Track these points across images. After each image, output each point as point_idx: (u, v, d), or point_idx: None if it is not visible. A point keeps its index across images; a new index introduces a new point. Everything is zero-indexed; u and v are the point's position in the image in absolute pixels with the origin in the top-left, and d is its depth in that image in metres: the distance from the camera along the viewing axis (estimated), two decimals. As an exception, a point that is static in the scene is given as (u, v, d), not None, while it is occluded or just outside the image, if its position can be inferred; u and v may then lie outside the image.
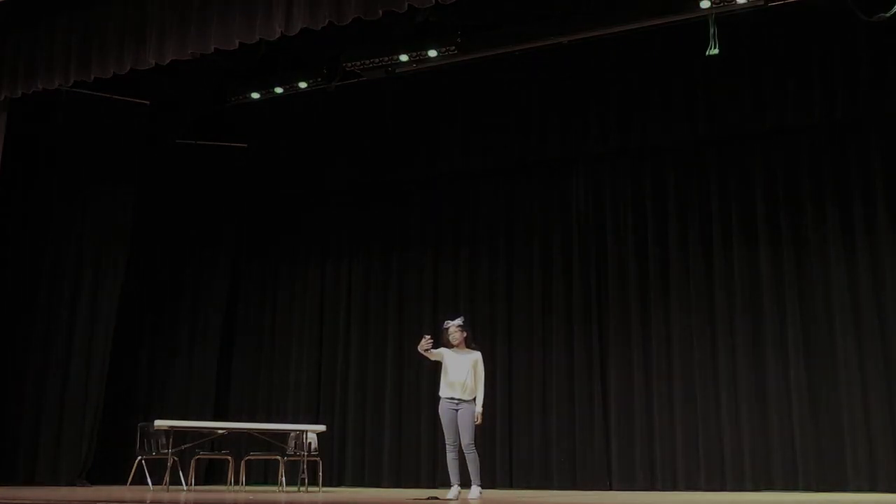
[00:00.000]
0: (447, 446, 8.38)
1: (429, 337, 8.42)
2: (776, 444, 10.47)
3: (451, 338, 8.59)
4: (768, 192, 11.09)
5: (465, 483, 8.45)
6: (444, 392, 8.47)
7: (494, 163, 12.31)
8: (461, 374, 8.43)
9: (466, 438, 8.28)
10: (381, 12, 8.03)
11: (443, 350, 8.59)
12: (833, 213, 10.70)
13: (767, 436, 10.53)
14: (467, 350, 8.60)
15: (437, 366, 8.88)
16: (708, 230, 11.34)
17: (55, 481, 11.20)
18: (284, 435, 10.94)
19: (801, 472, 10.29)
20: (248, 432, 10.97)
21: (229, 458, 10.78)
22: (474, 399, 8.44)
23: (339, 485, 12.32)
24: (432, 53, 10.65)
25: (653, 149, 11.65)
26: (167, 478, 10.23)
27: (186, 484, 10.84)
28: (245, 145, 13.27)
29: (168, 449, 10.37)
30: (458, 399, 8.39)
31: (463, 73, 11.20)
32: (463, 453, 8.31)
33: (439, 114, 12.21)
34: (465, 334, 8.63)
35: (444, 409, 8.40)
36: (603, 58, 11.05)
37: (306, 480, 10.71)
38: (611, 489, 11.06)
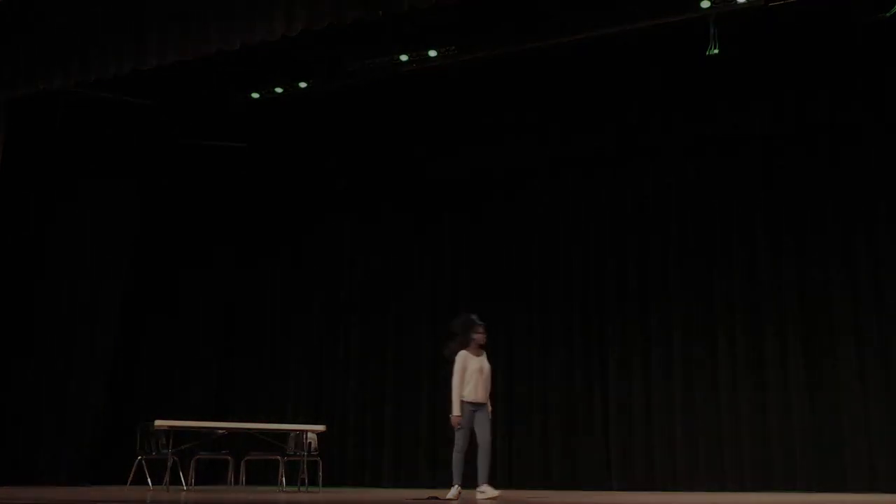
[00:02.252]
0: (457, 446, 8.27)
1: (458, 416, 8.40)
2: (776, 443, 10.48)
3: (481, 338, 8.46)
4: (769, 195, 11.10)
5: (469, 483, 8.42)
6: (467, 396, 8.34)
7: (497, 163, 12.33)
8: (485, 376, 8.38)
9: (489, 437, 8.25)
10: (380, 12, 8.03)
11: (463, 355, 8.46)
12: (834, 216, 10.72)
13: (767, 436, 10.54)
14: (482, 352, 8.55)
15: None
16: (709, 230, 11.35)
17: (55, 481, 11.20)
18: (284, 435, 10.94)
19: (800, 471, 10.31)
20: (248, 432, 10.97)
21: (229, 458, 10.76)
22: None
23: (339, 485, 12.33)
24: (432, 53, 10.66)
25: (651, 149, 11.66)
26: (167, 478, 10.23)
27: (186, 484, 10.84)
28: (245, 145, 13.27)
29: (168, 449, 10.36)
30: (480, 403, 8.34)
31: (463, 72, 11.20)
32: (466, 455, 8.27)
33: (439, 115, 12.22)
34: None
35: (464, 412, 8.28)
36: (602, 58, 11.04)
37: (306, 480, 10.72)
38: (611, 489, 11.07)
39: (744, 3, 9.46)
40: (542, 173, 12.35)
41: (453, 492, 8.25)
